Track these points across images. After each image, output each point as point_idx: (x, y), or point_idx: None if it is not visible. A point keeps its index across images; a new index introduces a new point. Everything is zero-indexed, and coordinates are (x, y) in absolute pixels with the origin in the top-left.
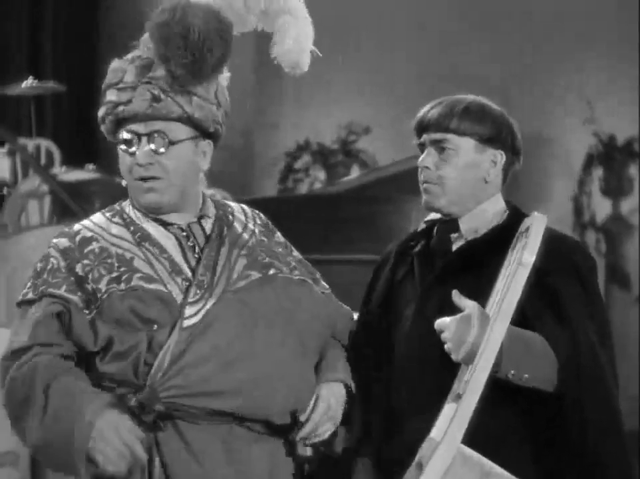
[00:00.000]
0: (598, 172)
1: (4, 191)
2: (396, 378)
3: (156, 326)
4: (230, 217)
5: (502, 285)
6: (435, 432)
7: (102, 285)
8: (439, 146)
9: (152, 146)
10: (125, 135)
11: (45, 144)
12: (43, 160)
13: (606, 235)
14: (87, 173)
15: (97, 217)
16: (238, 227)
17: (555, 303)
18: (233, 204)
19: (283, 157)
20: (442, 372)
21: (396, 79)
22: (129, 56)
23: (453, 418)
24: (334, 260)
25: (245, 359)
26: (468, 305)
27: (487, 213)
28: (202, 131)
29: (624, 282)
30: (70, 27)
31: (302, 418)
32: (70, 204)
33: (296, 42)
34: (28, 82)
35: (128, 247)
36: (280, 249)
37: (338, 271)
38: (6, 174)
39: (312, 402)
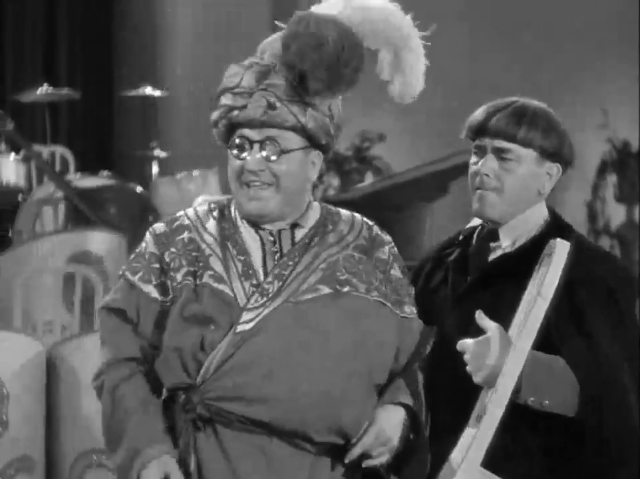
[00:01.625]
0: (612, 179)
1: (19, 197)
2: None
3: (213, 326)
4: (330, 226)
5: (524, 310)
6: (455, 454)
7: (179, 276)
8: (501, 154)
9: (264, 153)
10: (237, 140)
11: (60, 150)
12: (58, 167)
13: (620, 241)
14: (102, 179)
15: (202, 206)
16: (332, 238)
17: (581, 321)
18: (344, 213)
19: None
20: (465, 391)
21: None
22: (246, 61)
23: (473, 441)
24: None
25: (288, 371)
26: (490, 327)
27: (529, 221)
28: (313, 142)
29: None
30: (84, 34)
31: (353, 440)
32: (84, 211)
33: (417, 76)
34: (43, 89)
35: (210, 243)
36: (369, 267)
37: None
38: (21, 181)
39: (365, 425)
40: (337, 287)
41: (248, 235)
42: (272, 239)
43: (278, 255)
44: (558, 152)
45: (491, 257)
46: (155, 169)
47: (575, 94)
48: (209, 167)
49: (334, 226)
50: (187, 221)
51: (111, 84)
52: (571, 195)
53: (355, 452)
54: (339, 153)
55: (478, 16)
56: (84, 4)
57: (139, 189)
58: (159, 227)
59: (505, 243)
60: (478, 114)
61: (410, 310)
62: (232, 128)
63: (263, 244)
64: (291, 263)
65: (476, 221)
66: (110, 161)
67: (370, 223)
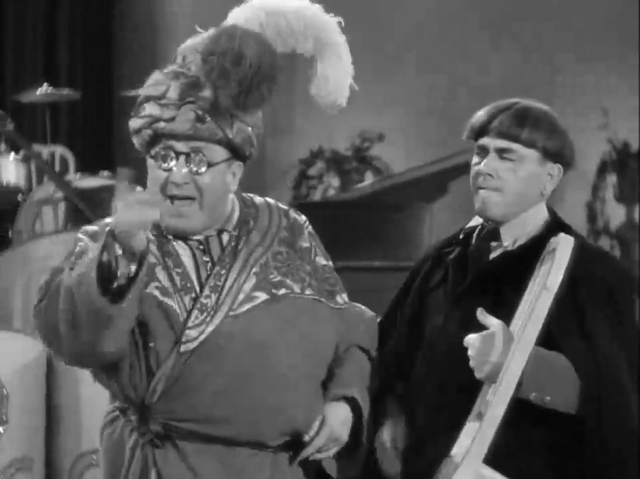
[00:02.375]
0: (612, 179)
1: (19, 197)
2: (418, 392)
3: (152, 343)
4: (251, 223)
5: (527, 306)
6: (456, 450)
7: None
8: (503, 154)
9: (191, 166)
10: (162, 151)
11: (60, 150)
12: (58, 167)
13: (620, 241)
14: (102, 180)
15: None
16: (256, 236)
17: (581, 321)
18: (259, 202)
19: (296, 164)
20: (464, 388)
21: (410, 86)
22: (170, 69)
23: (475, 437)
24: (347, 267)
25: (237, 390)
26: (493, 324)
27: (529, 221)
28: (237, 154)
29: (638, 288)
30: (84, 34)
31: (305, 438)
32: (84, 211)
33: (337, 84)
34: (43, 89)
35: (154, 252)
36: (298, 261)
37: (351, 278)
38: (21, 181)
39: (317, 423)
40: (273, 291)
41: (180, 244)
42: (202, 247)
43: (210, 264)
44: (560, 153)
45: (492, 256)
46: None
47: (574, 94)
48: None
49: (255, 221)
50: None
51: (111, 84)
52: (571, 196)
53: (308, 452)
54: (339, 153)
55: (478, 17)
56: (85, 5)
57: (139, 189)
58: (91, 229)
59: (507, 243)
60: (481, 114)
61: (342, 299)
62: (156, 138)
63: (193, 254)
64: (223, 271)
65: (477, 220)
66: (110, 161)
67: (285, 207)
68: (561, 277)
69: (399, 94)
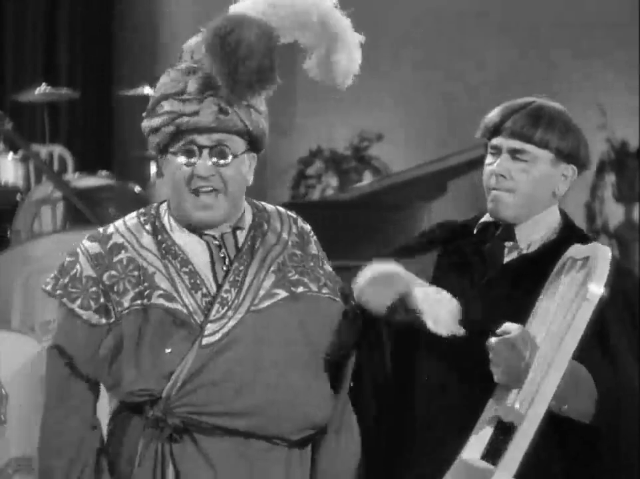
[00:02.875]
0: (610, 178)
1: (18, 197)
2: (421, 392)
3: (168, 349)
4: (265, 225)
5: (558, 313)
6: (469, 454)
7: (126, 301)
8: (516, 154)
9: (215, 159)
10: (185, 146)
11: (58, 150)
12: (56, 167)
13: (619, 241)
14: (100, 179)
15: (132, 220)
16: (272, 238)
17: (602, 334)
18: (270, 208)
19: (295, 163)
20: (476, 389)
21: (409, 86)
22: (182, 66)
23: (508, 449)
24: (345, 266)
25: (259, 383)
26: (513, 329)
27: (544, 223)
28: (254, 144)
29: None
30: (84, 34)
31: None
32: (83, 210)
33: (345, 68)
34: (42, 89)
35: (152, 260)
36: (312, 263)
37: (350, 278)
38: (20, 181)
39: None
40: (292, 288)
41: (189, 242)
42: (217, 243)
43: (227, 260)
44: (574, 154)
45: (507, 257)
46: (153, 169)
47: (572, 94)
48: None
49: (268, 224)
50: (121, 239)
51: (110, 84)
52: (570, 196)
53: None
54: (338, 152)
55: (475, 15)
56: (84, 5)
57: (137, 189)
58: (92, 247)
59: (522, 244)
60: (495, 114)
61: (350, 306)
62: (178, 134)
63: (210, 249)
64: (242, 268)
65: (488, 217)
66: (109, 161)
67: (294, 214)
68: (602, 289)
69: (398, 94)
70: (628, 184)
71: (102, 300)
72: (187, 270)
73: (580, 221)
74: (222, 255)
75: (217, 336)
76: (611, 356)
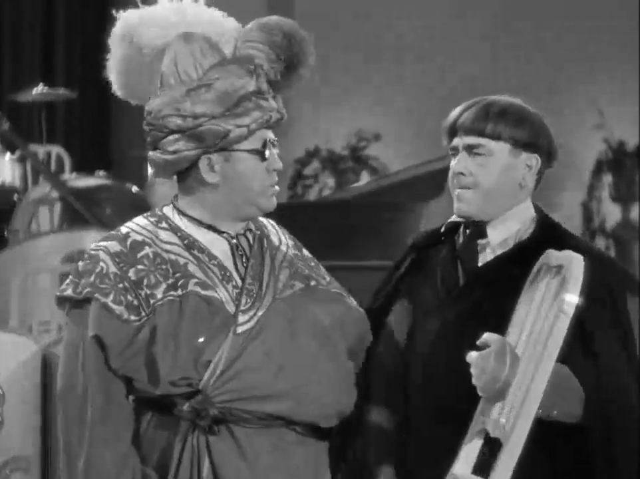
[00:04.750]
0: (608, 178)
1: (15, 197)
2: (414, 403)
3: (202, 338)
4: (264, 230)
5: (536, 323)
6: (461, 469)
7: (159, 292)
8: (472, 150)
9: (276, 152)
10: (262, 142)
11: (56, 150)
12: (54, 167)
13: (616, 241)
14: (98, 179)
15: (142, 221)
16: (274, 240)
17: (586, 332)
18: (261, 219)
19: (292, 163)
20: (463, 401)
21: (407, 86)
22: (243, 65)
23: (498, 463)
24: (342, 266)
25: (294, 365)
26: (493, 340)
27: (517, 220)
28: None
29: (633, 288)
30: (81, 34)
31: None
32: (80, 210)
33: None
34: (40, 89)
35: (179, 252)
36: (312, 263)
37: (347, 278)
38: (17, 181)
39: None
40: (306, 281)
41: (209, 240)
42: (235, 241)
43: (244, 257)
44: (533, 142)
45: (481, 256)
46: (150, 169)
47: (570, 94)
48: (161, 177)
49: (265, 229)
50: (139, 237)
51: (108, 84)
52: (568, 196)
53: None
54: (335, 152)
55: (474, 17)
56: (82, 5)
57: (135, 189)
58: (112, 245)
59: (495, 242)
60: (449, 116)
61: (353, 301)
62: (255, 131)
63: (231, 246)
64: (258, 264)
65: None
66: (106, 161)
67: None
68: (577, 299)
69: (395, 94)
70: (625, 184)
71: (129, 297)
72: (215, 263)
73: (577, 221)
74: (240, 253)
75: (250, 324)
76: (595, 354)
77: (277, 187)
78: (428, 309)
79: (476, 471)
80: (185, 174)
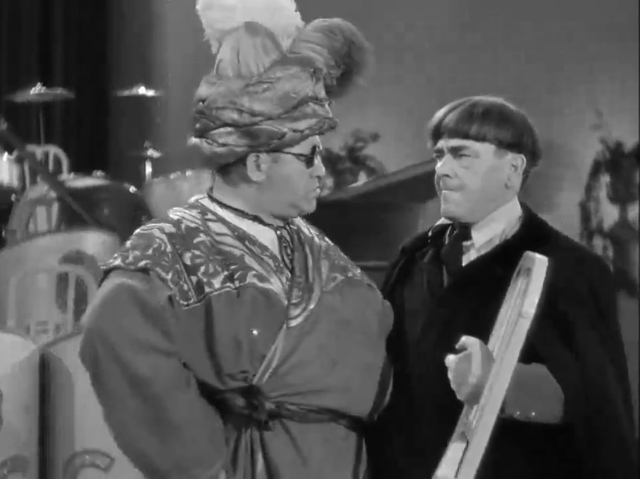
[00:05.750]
0: (605, 179)
1: (13, 197)
2: (402, 404)
3: (255, 331)
4: (295, 223)
5: (504, 326)
6: (444, 471)
7: (217, 282)
8: (458, 152)
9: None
10: (311, 149)
11: (53, 150)
12: (51, 167)
13: (613, 241)
14: (95, 180)
15: (187, 211)
16: (307, 232)
17: (565, 330)
18: None
19: None
20: (445, 403)
21: (405, 86)
22: (303, 68)
23: (462, 464)
24: None
25: (345, 359)
26: (469, 343)
27: (502, 220)
28: None
29: (631, 288)
30: (79, 35)
31: None
32: (78, 211)
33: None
34: (37, 89)
35: (233, 244)
36: (342, 254)
37: None
38: (15, 181)
39: None
40: (344, 273)
41: (258, 231)
42: (279, 233)
43: (289, 249)
44: (517, 142)
45: (465, 256)
46: (148, 169)
47: (568, 94)
48: (203, 167)
49: (294, 222)
50: (193, 224)
51: (105, 84)
52: (565, 196)
53: None
54: (333, 153)
55: (472, 17)
56: (79, 4)
57: (132, 189)
58: (166, 226)
59: (479, 243)
60: (433, 119)
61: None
62: (309, 136)
63: (277, 237)
64: (302, 256)
65: (447, 219)
66: (104, 161)
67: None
68: (536, 303)
69: (393, 94)
70: (623, 184)
71: (181, 281)
72: (268, 254)
73: (575, 222)
74: (284, 244)
75: (301, 318)
76: (575, 353)
77: (318, 191)
78: (414, 311)
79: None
80: (228, 168)
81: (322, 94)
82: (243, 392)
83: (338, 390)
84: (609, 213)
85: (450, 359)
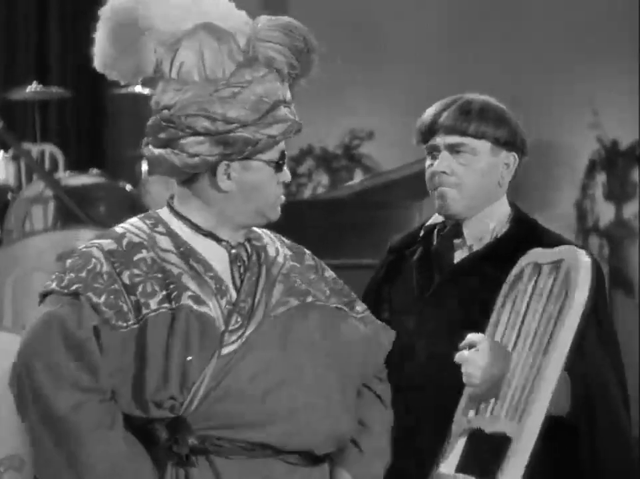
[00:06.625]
0: (601, 177)
1: (9, 196)
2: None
3: (190, 357)
4: (262, 240)
5: (534, 322)
6: (443, 467)
7: (154, 303)
8: (455, 149)
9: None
10: (279, 154)
11: (49, 149)
12: (47, 165)
13: (609, 240)
14: (91, 178)
15: (137, 223)
16: (271, 251)
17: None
18: (257, 229)
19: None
20: (445, 396)
21: (401, 85)
22: (267, 70)
23: (505, 466)
24: (337, 265)
25: (284, 387)
26: (480, 339)
27: (493, 217)
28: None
29: (627, 287)
30: (75, 32)
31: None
32: (74, 209)
33: None
34: (33, 87)
35: (175, 262)
36: (312, 276)
37: (340, 276)
38: (11, 179)
39: None
40: (301, 297)
41: (207, 249)
42: (234, 251)
43: (242, 269)
44: (512, 141)
45: (456, 254)
46: (144, 167)
47: (564, 94)
48: (169, 177)
49: (261, 239)
50: (137, 239)
51: (102, 82)
52: (560, 195)
53: None
54: (328, 151)
55: (470, 17)
56: (75, 3)
57: (129, 187)
58: (107, 243)
59: (470, 241)
60: (426, 116)
61: (361, 307)
62: (278, 142)
63: (229, 257)
64: (253, 278)
65: (437, 218)
66: (100, 159)
67: (277, 234)
68: (586, 295)
69: (389, 92)
70: (619, 183)
71: (119, 301)
72: (211, 274)
73: (571, 220)
74: (239, 264)
75: (235, 345)
76: (582, 351)
77: (283, 198)
78: (405, 309)
79: (458, 470)
80: (194, 177)
81: (289, 96)
82: (168, 424)
83: (271, 423)
84: (605, 212)
85: (464, 355)
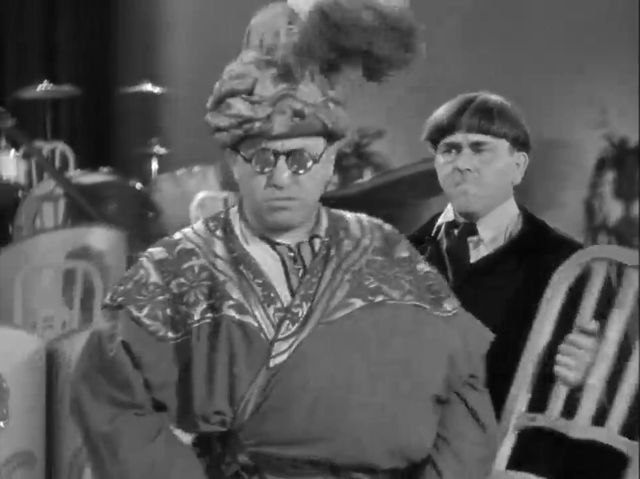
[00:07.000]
0: (610, 175)
1: (20, 194)
2: None
3: (237, 369)
4: (342, 233)
5: (614, 316)
6: (499, 465)
7: (197, 313)
8: (478, 148)
9: (295, 166)
10: (259, 154)
11: (60, 147)
12: (58, 163)
13: (618, 237)
14: (102, 176)
15: (200, 227)
16: (348, 245)
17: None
18: (350, 216)
19: None
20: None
21: (410, 83)
22: (252, 57)
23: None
24: None
25: (335, 401)
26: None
27: (505, 214)
28: (334, 138)
29: None
30: (86, 31)
31: None
32: (84, 207)
33: None
34: (44, 86)
35: (223, 268)
36: (397, 268)
37: None
38: (22, 177)
39: None
40: (369, 297)
41: (262, 253)
42: (292, 254)
43: (301, 271)
44: (526, 141)
45: (473, 252)
46: (155, 165)
47: (572, 92)
48: (209, 163)
49: (346, 231)
50: (190, 245)
51: (111, 80)
52: (569, 193)
53: None
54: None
55: (474, 16)
56: (85, 2)
57: (139, 185)
58: (157, 252)
59: (486, 238)
60: (444, 113)
61: (452, 305)
62: (247, 138)
63: (283, 262)
64: (314, 279)
65: (447, 217)
66: (110, 157)
67: (378, 221)
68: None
69: (399, 90)
70: (627, 181)
71: (168, 311)
72: (260, 281)
73: (580, 218)
74: (298, 267)
75: (285, 355)
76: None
77: (280, 203)
78: None
79: (509, 467)
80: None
81: (262, 88)
82: (219, 438)
83: (322, 439)
84: (614, 210)
85: (562, 346)
